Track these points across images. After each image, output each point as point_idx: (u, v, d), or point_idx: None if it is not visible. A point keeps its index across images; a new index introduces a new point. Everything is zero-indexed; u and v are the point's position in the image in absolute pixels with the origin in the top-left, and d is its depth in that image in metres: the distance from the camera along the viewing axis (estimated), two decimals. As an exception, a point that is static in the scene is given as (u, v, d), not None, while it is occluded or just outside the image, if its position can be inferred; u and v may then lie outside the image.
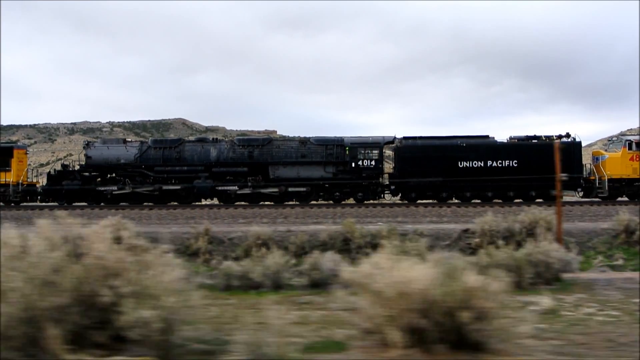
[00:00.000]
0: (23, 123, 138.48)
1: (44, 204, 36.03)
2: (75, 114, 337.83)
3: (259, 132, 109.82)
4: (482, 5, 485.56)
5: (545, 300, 8.97)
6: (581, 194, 35.96)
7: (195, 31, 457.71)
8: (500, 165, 35.16)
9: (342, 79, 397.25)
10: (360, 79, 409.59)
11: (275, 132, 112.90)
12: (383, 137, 36.59)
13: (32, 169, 43.44)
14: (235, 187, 35.17)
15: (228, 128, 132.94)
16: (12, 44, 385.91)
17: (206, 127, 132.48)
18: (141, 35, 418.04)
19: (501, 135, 36.73)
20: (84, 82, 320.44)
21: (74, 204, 35.41)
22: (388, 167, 38.90)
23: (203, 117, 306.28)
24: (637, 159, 35.07)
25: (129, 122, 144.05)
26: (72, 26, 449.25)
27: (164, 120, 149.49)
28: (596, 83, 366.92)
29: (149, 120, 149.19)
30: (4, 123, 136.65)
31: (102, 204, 35.21)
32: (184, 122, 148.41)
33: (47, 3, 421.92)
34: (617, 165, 35.22)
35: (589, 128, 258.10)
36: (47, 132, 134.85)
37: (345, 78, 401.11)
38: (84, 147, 37.61)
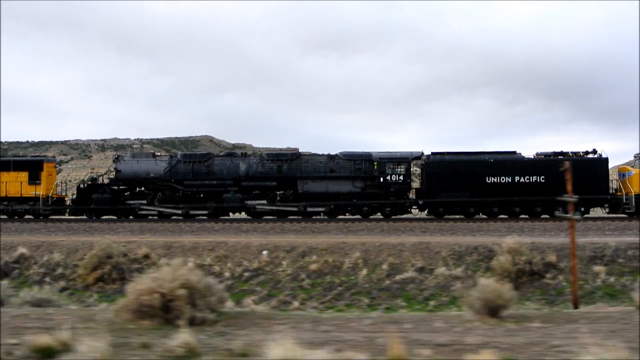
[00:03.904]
0: (54, 140, 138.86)
1: (73, 217, 34.84)
2: (100, 132, 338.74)
3: (281, 149, 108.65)
4: (516, 28, 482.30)
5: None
6: (607, 210, 34.23)
7: (234, 53, 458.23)
8: (528, 181, 33.88)
9: (368, 100, 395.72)
10: (385, 100, 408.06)
11: (297, 149, 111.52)
12: (411, 152, 35.33)
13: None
14: (265, 202, 33.98)
15: (255, 145, 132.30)
16: (52, 63, 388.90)
17: (233, 145, 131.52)
18: (179, 56, 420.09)
19: (523, 153, 35.18)
20: (113, 102, 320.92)
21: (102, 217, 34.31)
22: (415, 182, 37.52)
23: (230, 134, 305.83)
24: (664, 176, 33.48)
25: (158, 139, 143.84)
26: (115, 48, 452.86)
27: (191, 137, 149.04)
28: (617, 104, 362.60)
29: (177, 137, 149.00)
30: (35, 139, 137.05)
31: (130, 217, 33.96)
32: (211, 140, 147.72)
33: (94, 25, 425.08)
34: (644, 182, 33.53)
35: (609, 147, 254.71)
36: (79, 149, 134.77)
37: (371, 99, 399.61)
38: (113, 161, 36.57)
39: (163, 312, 7.84)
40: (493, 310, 8.50)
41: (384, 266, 19.19)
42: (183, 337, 6.39)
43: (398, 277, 18.56)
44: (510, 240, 18.96)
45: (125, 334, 7.13)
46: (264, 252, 20.47)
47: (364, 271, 18.94)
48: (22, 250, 20.94)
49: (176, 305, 7.81)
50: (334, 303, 17.00)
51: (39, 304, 10.32)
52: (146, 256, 20.44)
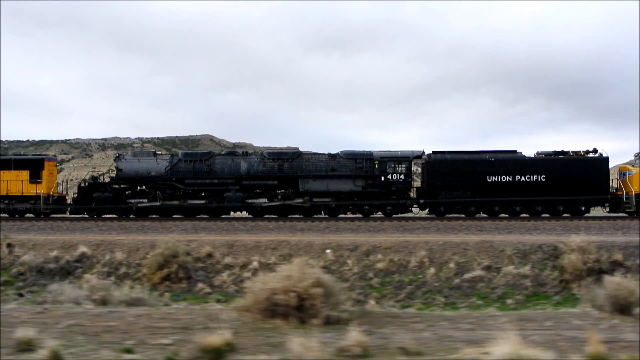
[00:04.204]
0: (54, 138, 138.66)
1: (74, 215, 34.65)
2: (100, 130, 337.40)
3: (281, 148, 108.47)
4: (518, 27, 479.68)
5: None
6: (608, 209, 34.20)
7: (236, 53, 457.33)
8: (529, 180, 33.87)
9: (369, 99, 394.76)
10: (387, 99, 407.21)
11: (297, 148, 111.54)
12: (412, 151, 35.21)
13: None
14: (266, 200, 33.87)
15: (255, 144, 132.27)
16: (55, 62, 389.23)
17: (233, 144, 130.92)
18: (182, 56, 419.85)
19: (524, 152, 35.20)
20: (114, 101, 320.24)
21: (103, 216, 34.16)
22: (416, 181, 37.44)
23: (230, 134, 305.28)
24: (664, 175, 33.48)
25: (158, 138, 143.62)
26: (117, 47, 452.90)
27: (192, 136, 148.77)
28: (618, 103, 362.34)
29: (177, 137, 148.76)
30: (36, 138, 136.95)
31: (132, 216, 33.81)
32: (211, 139, 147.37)
33: (97, 24, 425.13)
34: (644, 181, 33.54)
35: (609, 147, 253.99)
36: (80, 148, 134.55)
37: (372, 97, 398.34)
38: (114, 160, 36.34)
39: (297, 311, 7.83)
40: (624, 307, 8.41)
41: (451, 265, 19.14)
42: (355, 336, 6.42)
43: (467, 276, 18.52)
44: (578, 238, 18.95)
45: (270, 333, 7.15)
46: (328, 251, 20.32)
47: (432, 270, 18.91)
48: (83, 249, 20.81)
49: (311, 304, 7.80)
50: (408, 302, 16.93)
51: (134, 302, 10.38)
52: (209, 255, 20.31)
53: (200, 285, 18.36)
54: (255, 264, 19.46)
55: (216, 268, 19.54)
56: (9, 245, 21.53)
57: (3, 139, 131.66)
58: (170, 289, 18.14)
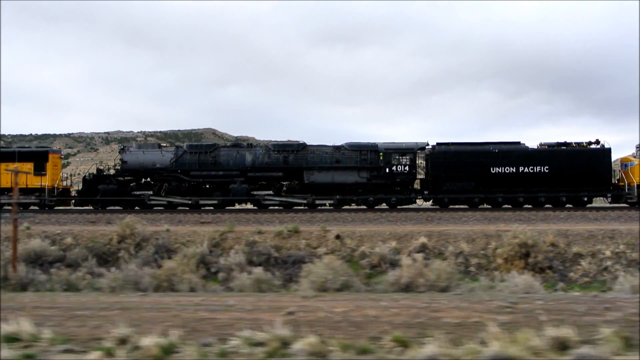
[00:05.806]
0: (57, 132, 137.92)
1: (79, 207, 34.18)
2: (102, 125, 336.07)
3: (283, 142, 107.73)
4: (522, 21, 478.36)
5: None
6: (610, 200, 33.87)
7: (242, 47, 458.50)
8: (532, 171, 33.56)
9: (372, 92, 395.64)
10: (390, 92, 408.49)
11: (298, 141, 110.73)
12: (416, 143, 34.83)
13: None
14: (271, 192, 33.57)
15: (257, 138, 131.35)
16: (59, 56, 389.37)
17: (236, 137, 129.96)
18: (187, 50, 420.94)
19: (527, 144, 34.90)
20: (117, 95, 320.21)
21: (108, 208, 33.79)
22: (420, 173, 37.03)
23: (232, 127, 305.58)
24: (666, 166, 33.25)
25: (161, 132, 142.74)
26: (124, 41, 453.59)
27: (194, 130, 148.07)
28: (618, 97, 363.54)
29: (180, 130, 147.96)
30: (39, 132, 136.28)
31: (136, 207, 33.36)
32: (214, 132, 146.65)
33: (106, 19, 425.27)
34: (646, 172, 33.25)
35: (609, 140, 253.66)
36: (84, 142, 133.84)
37: (375, 91, 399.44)
38: (119, 152, 35.92)
39: None
40: None
41: None
42: None
43: None
44: None
45: None
46: None
47: None
48: (423, 239, 21.00)
49: None
50: None
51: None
52: (552, 244, 20.36)
53: (571, 274, 18.46)
54: (607, 252, 19.71)
55: (565, 257, 19.78)
56: (337, 237, 21.83)
57: (6, 133, 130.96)
58: (542, 278, 17.82)
